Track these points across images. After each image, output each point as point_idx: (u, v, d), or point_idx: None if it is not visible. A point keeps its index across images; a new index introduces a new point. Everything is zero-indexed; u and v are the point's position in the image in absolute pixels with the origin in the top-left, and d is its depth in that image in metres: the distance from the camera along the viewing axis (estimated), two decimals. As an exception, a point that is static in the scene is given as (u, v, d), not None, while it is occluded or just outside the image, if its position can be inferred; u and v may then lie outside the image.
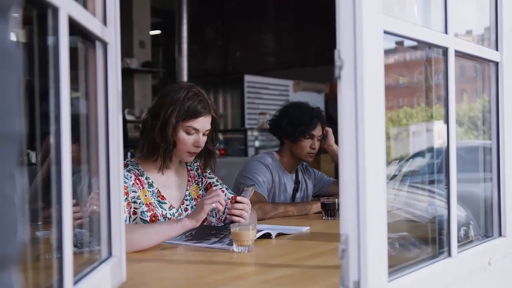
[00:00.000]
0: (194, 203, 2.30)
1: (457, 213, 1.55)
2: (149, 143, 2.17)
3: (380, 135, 1.20)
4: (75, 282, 1.09)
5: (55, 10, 0.99)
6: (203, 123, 2.18)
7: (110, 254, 1.36)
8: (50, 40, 1.01)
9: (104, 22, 1.34)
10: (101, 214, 1.36)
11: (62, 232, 1.00)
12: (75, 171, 1.10)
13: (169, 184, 2.26)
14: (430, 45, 1.53)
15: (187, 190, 2.31)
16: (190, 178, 2.35)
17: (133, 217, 2.10)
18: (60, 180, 1.00)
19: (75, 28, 1.11)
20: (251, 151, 7.43)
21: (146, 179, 2.19)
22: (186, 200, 2.30)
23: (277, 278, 1.52)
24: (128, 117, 6.97)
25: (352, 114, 1.16)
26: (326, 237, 2.19)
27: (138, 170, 2.19)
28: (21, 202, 0.58)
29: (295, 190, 3.11)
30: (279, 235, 2.14)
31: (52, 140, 1.00)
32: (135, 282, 1.47)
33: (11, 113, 0.55)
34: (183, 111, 2.13)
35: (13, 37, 0.56)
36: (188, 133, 2.16)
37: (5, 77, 0.54)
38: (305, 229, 2.32)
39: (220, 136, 7.76)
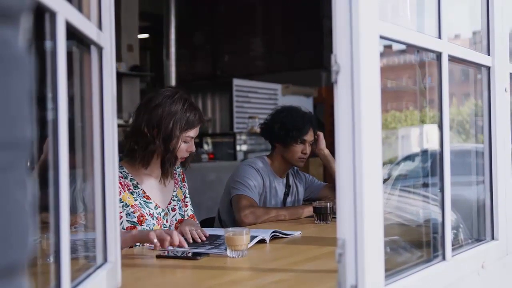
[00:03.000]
0: (181, 204, 2.40)
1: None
2: (149, 154, 2.22)
3: (377, 139, 1.20)
4: (72, 289, 1.08)
5: (53, 14, 0.98)
6: (197, 130, 2.31)
7: (105, 259, 1.35)
8: (47, 44, 1.00)
9: (100, 26, 1.34)
10: (96, 220, 1.35)
11: (60, 238, 1.00)
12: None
13: (155, 186, 2.31)
14: (424, 50, 1.55)
15: (174, 191, 2.39)
16: (176, 181, 2.43)
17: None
18: (57, 185, 0.99)
19: (71, 33, 1.11)
20: (240, 155, 7.42)
21: (130, 180, 2.25)
22: (174, 200, 2.38)
23: (273, 283, 1.52)
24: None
25: (349, 118, 1.16)
26: (319, 241, 2.19)
27: (121, 173, 2.21)
28: (31, 209, 0.58)
29: (286, 194, 3.11)
30: (273, 238, 2.14)
31: (49, 145, 1.00)
32: None
33: (22, 120, 0.55)
34: (184, 123, 2.23)
35: (22, 43, 0.56)
36: (185, 142, 2.26)
37: (16, 83, 0.54)
38: (297, 233, 2.32)
39: (209, 140, 7.74)
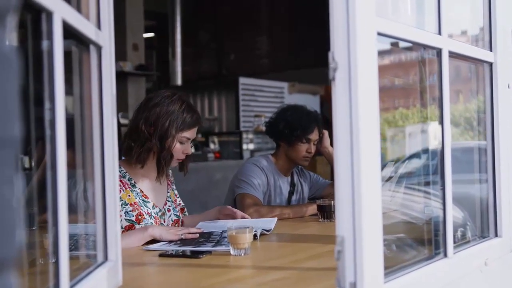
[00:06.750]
0: (174, 205, 2.43)
1: (454, 214, 1.55)
2: (146, 152, 2.25)
3: (375, 137, 1.20)
4: (71, 286, 1.09)
5: (49, 14, 0.99)
6: (195, 132, 2.34)
7: (106, 258, 1.36)
8: (44, 44, 1.01)
9: (98, 26, 1.34)
10: (97, 218, 1.36)
11: (58, 237, 1.00)
12: (70, 176, 1.10)
13: (151, 186, 2.35)
14: (423, 46, 1.54)
15: (168, 192, 2.43)
16: (169, 182, 2.47)
17: None
18: (55, 185, 1.00)
19: (69, 32, 1.11)
20: (246, 154, 7.42)
21: (128, 180, 2.28)
22: (168, 201, 2.42)
23: (274, 281, 1.52)
24: (122, 121, 6.93)
25: (347, 115, 1.16)
26: (322, 239, 2.19)
27: (119, 172, 2.23)
28: (19, 206, 0.59)
29: (291, 193, 3.10)
30: (261, 235, 2.17)
31: (47, 145, 1.00)
32: (131, 286, 1.46)
33: (10, 117, 0.56)
34: (180, 123, 2.25)
35: (10, 41, 0.57)
36: (181, 142, 2.29)
37: (4, 82, 0.54)
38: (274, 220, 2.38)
39: (215, 139, 7.75)
